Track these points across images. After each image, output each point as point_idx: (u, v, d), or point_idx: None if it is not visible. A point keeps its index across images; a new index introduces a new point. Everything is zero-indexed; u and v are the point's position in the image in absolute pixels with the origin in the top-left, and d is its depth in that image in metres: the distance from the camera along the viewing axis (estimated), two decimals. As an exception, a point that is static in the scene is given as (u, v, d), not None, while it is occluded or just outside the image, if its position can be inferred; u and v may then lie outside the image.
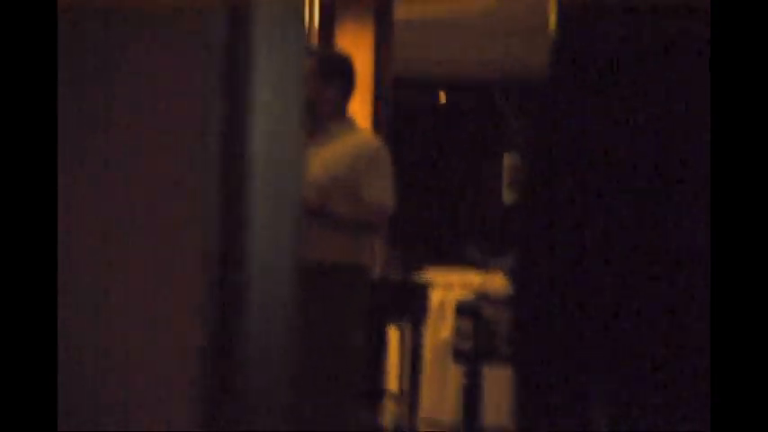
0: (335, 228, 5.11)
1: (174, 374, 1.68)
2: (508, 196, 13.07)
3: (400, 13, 7.31)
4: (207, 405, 1.68)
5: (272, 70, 1.74)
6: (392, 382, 7.68)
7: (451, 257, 10.36)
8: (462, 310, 6.29)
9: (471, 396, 6.08)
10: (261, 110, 1.71)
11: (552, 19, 4.69)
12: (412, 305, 7.03)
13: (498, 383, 7.40)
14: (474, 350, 5.96)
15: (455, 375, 7.32)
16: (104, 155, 1.72)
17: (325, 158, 5.16)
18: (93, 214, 1.72)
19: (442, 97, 12.85)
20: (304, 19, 1.86)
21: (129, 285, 1.71)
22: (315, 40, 6.74)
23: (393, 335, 7.45)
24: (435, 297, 7.84)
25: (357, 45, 6.20)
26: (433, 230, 12.87)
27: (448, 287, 8.24)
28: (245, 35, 1.69)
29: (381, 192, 5.18)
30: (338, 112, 5.23)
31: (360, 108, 5.30)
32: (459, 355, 6.21)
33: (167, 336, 1.69)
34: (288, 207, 1.79)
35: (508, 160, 13.10)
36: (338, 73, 5.22)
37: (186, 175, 1.70)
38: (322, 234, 5.08)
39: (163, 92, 1.71)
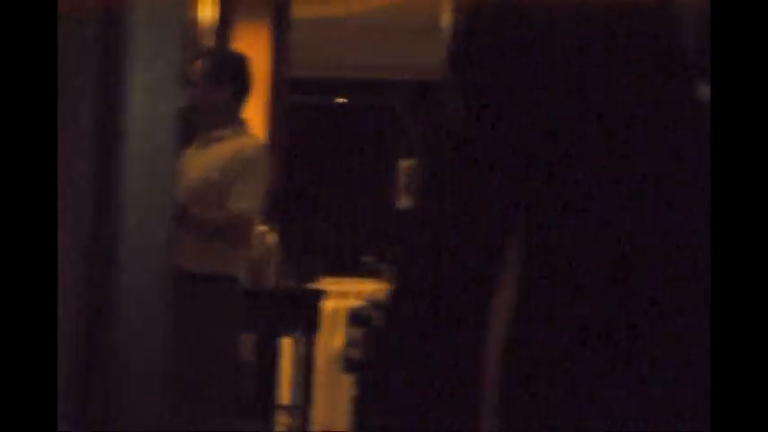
0: (197, 234, 4.92)
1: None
2: (403, 201, 13.09)
3: (298, 12, 7.26)
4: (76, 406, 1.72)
5: (148, 71, 1.68)
6: (285, 394, 7.58)
7: (347, 266, 10.29)
8: (354, 318, 6.23)
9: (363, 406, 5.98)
10: (135, 111, 1.67)
11: (445, 17, 4.62)
12: (304, 315, 6.94)
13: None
14: (365, 359, 5.86)
15: (347, 385, 7.23)
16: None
17: (203, 162, 5.02)
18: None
19: (339, 99, 12.79)
20: (185, 20, 1.80)
21: None
22: (211, 41, 6.62)
23: (286, 346, 7.34)
24: (329, 306, 7.74)
25: (254, 46, 6.10)
26: (329, 238, 12.78)
27: (342, 296, 8.18)
28: (119, 35, 1.63)
29: (248, 198, 5.00)
30: (228, 116, 5.06)
31: (255, 110, 5.18)
32: (350, 364, 6.13)
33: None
34: (159, 209, 1.73)
35: (404, 164, 13.12)
36: (229, 75, 5.05)
37: (61, 177, 1.67)
38: (184, 241, 4.86)
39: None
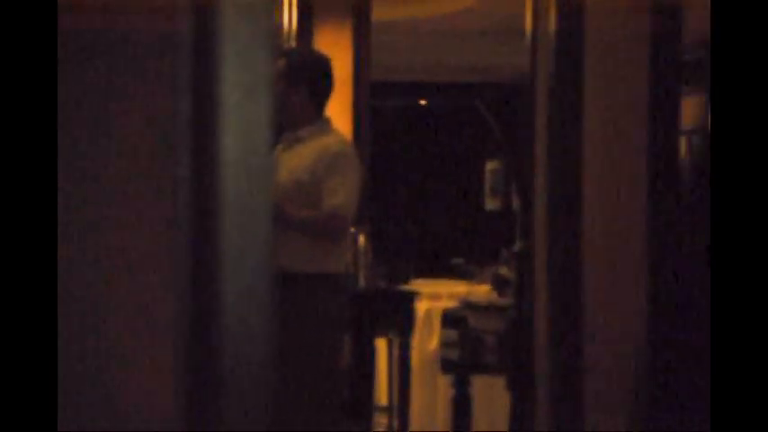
0: (293, 234, 4.95)
1: (155, 385, 1.69)
2: (489, 203, 13.07)
3: (379, 13, 7.28)
4: (189, 414, 1.68)
5: (240, 71, 1.70)
6: (381, 395, 7.60)
7: (437, 267, 10.29)
8: (448, 319, 6.24)
9: (460, 406, 6.00)
10: (230, 111, 1.71)
11: (529, 20, 4.64)
12: (398, 316, 6.96)
13: (487, 393, 7.34)
14: (461, 360, 5.87)
15: (444, 386, 7.24)
16: (78, 157, 1.74)
17: (292, 163, 5.04)
18: (73, 214, 1.74)
19: (422, 101, 12.79)
20: (273, 19, 1.82)
21: (107, 287, 1.72)
22: (293, 42, 6.66)
23: (381, 347, 7.36)
24: (422, 307, 7.76)
25: (336, 47, 6.13)
26: (418, 239, 12.79)
27: (434, 297, 8.18)
28: (212, 35, 1.68)
29: (341, 194, 5.01)
30: (309, 115, 5.09)
31: (339, 111, 5.21)
32: (446, 364, 6.14)
33: (145, 344, 1.71)
34: (259, 210, 1.75)
35: (490, 165, 13.11)
36: (306, 74, 5.07)
37: (158, 178, 1.72)
38: (282, 241, 4.93)
39: (134, 93, 1.72)
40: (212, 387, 1.68)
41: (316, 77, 5.10)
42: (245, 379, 1.75)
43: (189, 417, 1.70)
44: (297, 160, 5.04)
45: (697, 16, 8.46)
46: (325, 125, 5.19)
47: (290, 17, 6.76)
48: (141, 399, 1.73)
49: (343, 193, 5.02)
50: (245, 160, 1.75)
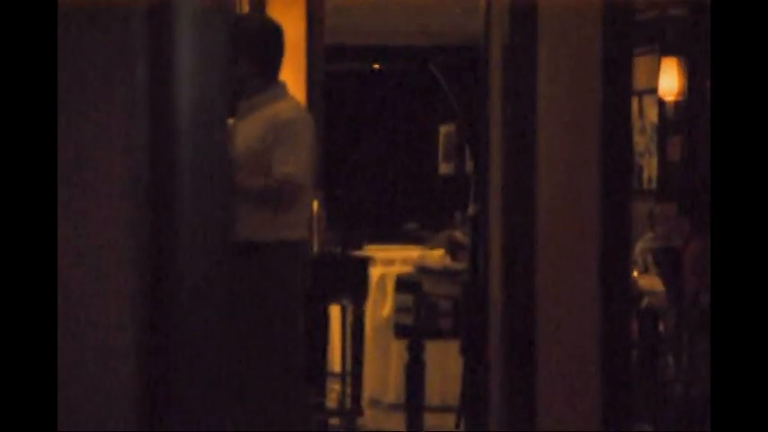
0: (247, 203, 4.90)
1: (112, 349, 1.72)
2: (443, 168, 13.07)
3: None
4: (145, 376, 1.71)
5: (197, 39, 1.67)
6: (335, 361, 7.58)
7: (391, 232, 10.28)
8: (402, 284, 6.22)
9: (414, 372, 5.98)
10: (186, 77, 1.65)
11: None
12: (352, 282, 6.93)
13: (441, 358, 7.34)
14: (415, 325, 5.86)
15: (398, 352, 7.23)
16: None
17: (245, 131, 4.98)
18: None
19: (376, 65, 12.75)
20: None
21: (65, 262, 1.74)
22: (245, 8, 6.60)
23: (334, 313, 7.33)
24: (375, 273, 7.73)
25: (289, 11, 6.06)
26: (371, 205, 12.77)
27: (388, 262, 8.17)
28: (167, 4, 1.70)
29: (291, 164, 4.94)
30: (261, 83, 5.02)
31: (292, 76, 5.16)
32: (400, 330, 6.13)
33: (103, 312, 1.73)
34: (215, 174, 1.73)
35: (444, 129, 13.10)
36: (254, 42, 4.99)
37: (116, 145, 1.73)
38: (240, 210, 4.85)
39: (91, 61, 1.74)
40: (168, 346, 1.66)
41: (264, 45, 5.03)
42: (198, 341, 1.73)
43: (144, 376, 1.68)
44: (250, 128, 4.98)
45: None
46: (279, 91, 5.12)
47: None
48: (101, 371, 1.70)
49: (293, 161, 4.95)
50: (200, 125, 1.73)
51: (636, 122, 9.85)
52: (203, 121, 1.74)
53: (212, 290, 1.75)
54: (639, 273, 7.08)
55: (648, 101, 9.82)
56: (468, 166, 11.44)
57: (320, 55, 6.91)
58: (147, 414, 1.67)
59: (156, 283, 1.69)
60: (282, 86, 5.12)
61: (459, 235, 6.88)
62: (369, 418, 7.48)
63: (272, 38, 5.08)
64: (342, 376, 7.31)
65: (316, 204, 6.63)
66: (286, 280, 5.00)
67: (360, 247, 8.10)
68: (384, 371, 7.90)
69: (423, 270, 6.24)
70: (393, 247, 9.13)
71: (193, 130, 1.72)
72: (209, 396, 1.74)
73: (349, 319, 7.10)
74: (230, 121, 5.01)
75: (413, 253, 8.51)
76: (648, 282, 6.89)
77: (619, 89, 4.30)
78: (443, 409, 7.38)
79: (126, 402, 1.68)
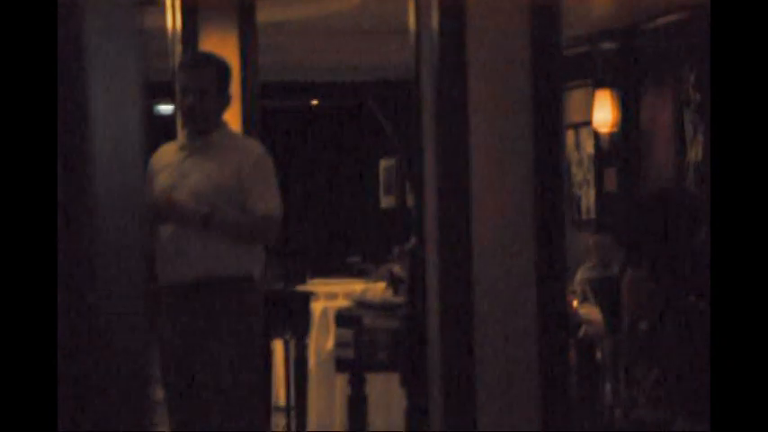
0: (225, 240, 4.93)
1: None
2: (385, 201, 13.12)
3: (264, 14, 7.25)
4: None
5: (109, 81, 1.70)
6: (279, 395, 7.58)
7: (334, 266, 10.30)
8: (342, 319, 6.24)
9: (356, 405, 6.01)
10: (99, 121, 1.72)
11: (412, 19, 4.67)
12: (295, 317, 6.94)
13: (383, 391, 7.36)
14: (356, 359, 5.88)
15: (342, 386, 7.24)
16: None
17: (208, 167, 4.99)
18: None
19: (313, 101, 12.79)
20: (138, 25, 1.83)
21: None
22: (178, 46, 6.62)
23: (277, 348, 7.34)
24: (318, 307, 7.76)
25: (222, 48, 6.11)
26: (314, 239, 12.78)
27: (330, 297, 8.18)
28: (78, 44, 1.70)
29: (268, 200, 5.00)
30: (217, 120, 5.08)
31: (228, 115, 5.17)
32: (341, 364, 6.14)
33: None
34: (131, 217, 1.75)
35: (384, 164, 13.15)
36: (221, 78, 5.07)
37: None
38: (212, 247, 4.91)
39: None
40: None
41: (228, 82, 5.11)
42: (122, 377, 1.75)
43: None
44: (214, 164, 4.99)
45: (581, 11, 8.54)
46: (229, 128, 5.19)
47: (173, 19, 6.71)
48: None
49: (272, 197, 5.02)
50: (116, 168, 1.74)
51: (573, 154, 9.96)
52: (119, 164, 1.76)
53: (130, 326, 1.76)
54: (578, 302, 7.15)
55: (584, 133, 9.94)
56: (409, 199, 11.51)
57: (256, 91, 6.94)
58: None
59: (70, 321, 1.70)
60: (227, 122, 5.18)
61: (398, 269, 6.92)
62: (314, 451, 7.49)
63: (230, 75, 5.16)
64: (286, 410, 7.31)
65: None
66: (255, 314, 5.04)
67: (303, 281, 8.11)
68: (329, 403, 7.90)
69: (362, 304, 6.27)
70: (336, 281, 9.15)
71: (108, 176, 1.74)
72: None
73: (292, 353, 7.12)
74: (180, 154, 5.03)
75: (356, 286, 8.53)
76: (587, 311, 6.96)
77: (550, 122, 4.37)
78: (389, 440, 7.40)
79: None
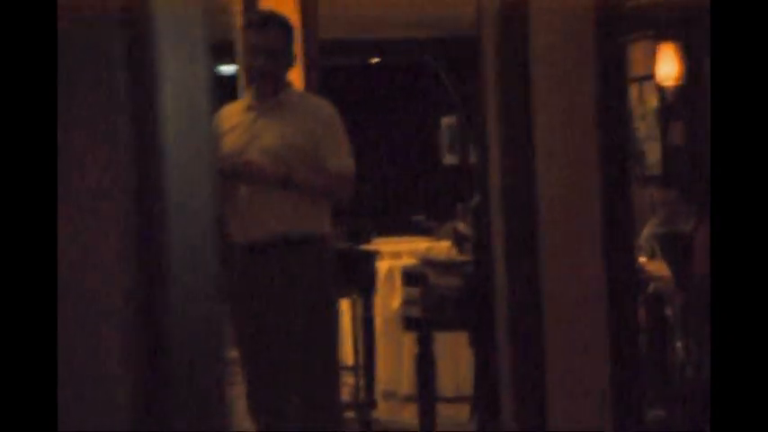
0: (301, 198, 4.97)
1: (105, 350, 1.70)
2: (447, 159, 13.07)
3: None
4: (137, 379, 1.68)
5: (178, 40, 1.69)
6: (346, 355, 7.60)
7: (398, 225, 10.28)
8: (409, 277, 6.23)
9: (424, 364, 6.00)
10: (169, 79, 1.69)
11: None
12: (360, 276, 6.94)
13: (451, 349, 7.35)
14: (423, 317, 5.87)
15: (409, 344, 7.24)
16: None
17: (280, 128, 5.02)
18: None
19: (374, 59, 12.73)
20: None
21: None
22: (238, 4, 6.60)
23: (344, 307, 7.35)
24: (383, 266, 7.75)
25: (282, 7, 6.07)
26: (377, 198, 12.77)
27: (395, 255, 8.18)
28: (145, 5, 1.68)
29: (342, 158, 5.04)
30: (285, 79, 5.11)
31: (290, 74, 5.17)
32: (408, 322, 6.14)
33: (95, 313, 1.71)
34: (201, 180, 1.74)
35: (446, 121, 13.09)
36: (289, 38, 5.10)
37: (99, 153, 1.70)
38: (288, 206, 4.96)
39: (71, 68, 1.71)
40: (161, 352, 1.67)
41: (293, 42, 5.13)
42: (194, 338, 1.74)
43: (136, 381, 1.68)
44: (286, 124, 5.01)
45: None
46: (296, 88, 5.25)
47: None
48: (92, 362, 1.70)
49: (345, 155, 5.06)
50: (187, 129, 1.73)
51: (636, 109, 9.84)
52: (188, 124, 1.74)
53: (201, 286, 1.74)
54: (646, 259, 7.09)
55: (648, 87, 9.80)
56: (472, 156, 11.46)
57: (315, 49, 6.91)
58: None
59: (147, 281, 1.68)
60: (292, 82, 5.22)
61: (462, 226, 6.88)
62: (383, 410, 7.50)
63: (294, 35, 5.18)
64: (354, 369, 7.33)
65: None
66: (329, 272, 5.08)
67: (367, 241, 8.11)
68: (397, 363, 7.91)
69: (428, 262, 6.25)
70: (400, 239, 9.14)
71: (179, 137, 1.72)
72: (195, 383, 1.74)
73: (359, 312, 7.12)
74: (250, 114, 5.04)
75: (420, 245, 8.52)
76: (655, 267, 6.89)
77: (614, 75, 4.31)
78: (457, 399, 7.39)
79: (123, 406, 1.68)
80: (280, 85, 5.07)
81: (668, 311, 6.70)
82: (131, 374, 1.67)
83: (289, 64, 5.11)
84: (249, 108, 5.11)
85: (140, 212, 1.66)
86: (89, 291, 1.71)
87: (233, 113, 5.13)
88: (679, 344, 6.54)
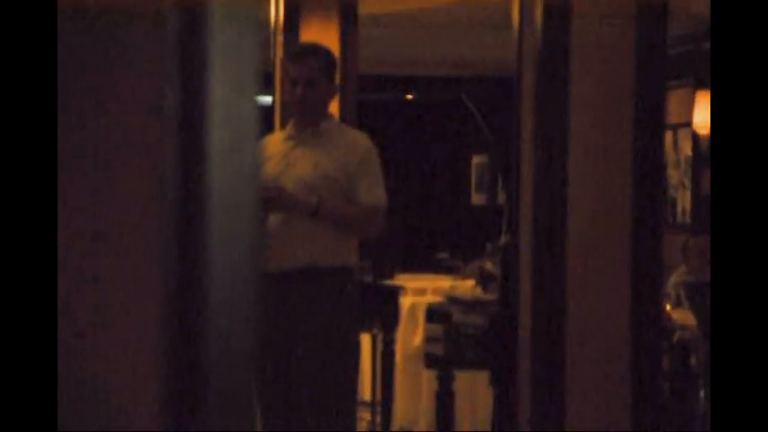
0: (330, 229, 4.99)
1: (139, 377, 1.68)
2: (476, 198, 13.06)
3: (365, 8, 7.25)
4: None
5: (228, 66, 1.69)
6: (365, 390, 7.58)
7: (423, 262, 10.28)
8: (432, 314, 6.22)
9: (443, 402, 5.98)
10: (218, 107, 1.68)
11: (515, 13, 4.62)
12: (383, 311, 6.94)
13: (471, 388, 7.33)
14: (445, 355, 5.86)
15: (429, 381, 7.22)
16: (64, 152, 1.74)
17: (315, 157, 5.05)
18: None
19: (409, 95, 12.76)
20: (259, 14, 1.82)
21: (93, 282, 1.72)
22: (279, 36, 6.64)
23: (365, 342, 7.34)
24: (406, 302, 7.74)
25: (322, 41, 6.11)
26: (403, 234, 12.77)
27: (419, 292, 8.17)
28: (200, 31, 1.67)
29: (375, 192, 5.07)
30: (325, 110, 5.14)
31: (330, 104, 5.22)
32: (430, 359, 6.13)
33: (129, 334, 1.70)
34: (245, 205, 1.74)
35: (476, 160, 13.10)
36: (332, 69, 5.13)
37: (144, 173, 1.70)
38: (316, 236, 4.98)
39: (122, 91, 1.72)
40: (195, 375, 1.67)
41: (336, 73, 5.17)
42: (228, 369, 1.73)
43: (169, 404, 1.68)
44: (321, 154, 5.04)
45: (683, 10, 8.44)
46: (336, 120, 5.31)
47: (276, 11, 6.73)
48: (123, 391, 1.71)
49: (380, 190, 5.09)
50: (231, 154, 1.73)
51: (670, 156, 9.82)
52: (235, 147, 1.75)
53: (240, 318, 1.74)
54: (672, 307, 7.05)
55: (683, 134, 9.79)
56: (501, 196, 11.45)
57: (353, 84, 6.94)
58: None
59: (184, 314, 1.68)
60: (333, 114, 5.26)
61: (489, 265, 6.87)
62: (399, 446, 7.48)
63: (337, 66, 5.23)
64: (372, 405, 7.31)
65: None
66: (353, 305, 5.09)
67: (391, 277, 8.11)
68: (415, 399, 7.89)
69: (453, 300, 6.24)
70: (425, 276, 9.13)
71: (224, 158, 1.72)
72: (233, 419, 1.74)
73: (379, 347, 7.11)
74: (288, 144, 5.08)
75: (444, 283, 8.51)
76: (681, 316, 6.86)
77: (652, 123, 4.31)
78: (474, 437, 7.37)
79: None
80: (319, 115, 5.10)
81: (693, 361, 6.67)
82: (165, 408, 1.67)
83: (329, 94, 5.15)
84: (288, 138, 5.15)
85: (182, 241, 1.67)
86: (126, 316, 1.71)
87: (272, 143, 5.18)
88: (702, 393, 6.51)
